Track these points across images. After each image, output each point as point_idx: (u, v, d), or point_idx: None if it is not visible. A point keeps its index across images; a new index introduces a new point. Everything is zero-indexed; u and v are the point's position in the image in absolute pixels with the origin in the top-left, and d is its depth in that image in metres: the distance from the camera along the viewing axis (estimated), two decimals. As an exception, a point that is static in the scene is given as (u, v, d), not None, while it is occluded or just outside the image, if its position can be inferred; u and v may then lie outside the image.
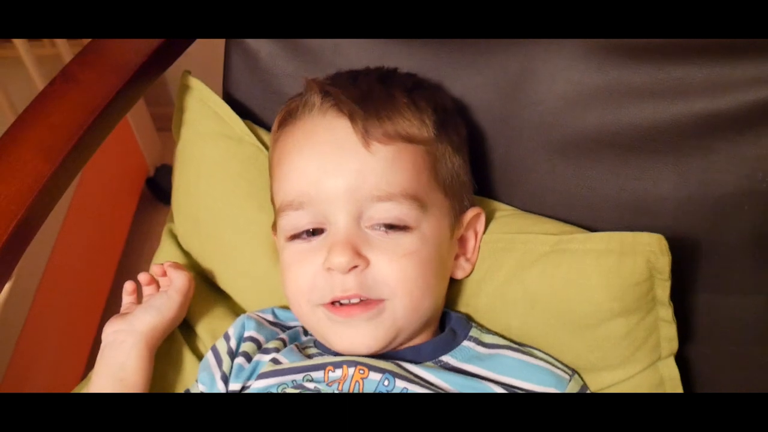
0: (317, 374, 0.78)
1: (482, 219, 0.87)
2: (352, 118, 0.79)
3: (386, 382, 0.76)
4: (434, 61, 0.93)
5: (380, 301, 0.77)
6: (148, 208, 1.93)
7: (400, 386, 0.75)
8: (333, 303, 0.78)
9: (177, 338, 0.92)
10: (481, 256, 0.87)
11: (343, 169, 0.78)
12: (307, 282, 0.79)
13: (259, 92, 1.00)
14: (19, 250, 0.81)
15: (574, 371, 0.82)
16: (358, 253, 0.76)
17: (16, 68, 1.46)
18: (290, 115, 0.85)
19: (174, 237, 1.02)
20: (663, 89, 0.84)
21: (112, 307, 1.70)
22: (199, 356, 0.92)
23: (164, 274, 0.91)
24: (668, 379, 0.82)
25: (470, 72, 0.92)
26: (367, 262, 0.76)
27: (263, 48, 0.99)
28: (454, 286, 0.88)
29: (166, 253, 1.01)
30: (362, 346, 0.78)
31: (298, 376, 0.78)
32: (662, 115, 0.84)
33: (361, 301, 0.77)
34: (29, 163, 0.82)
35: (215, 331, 0.92)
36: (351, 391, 0.76)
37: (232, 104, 0.99)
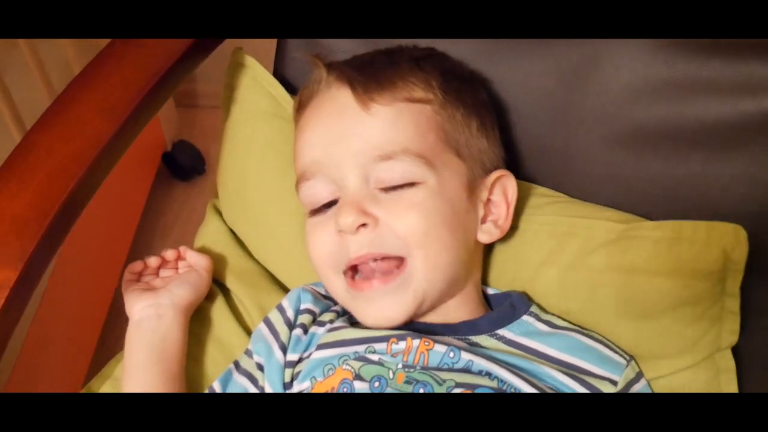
0: (380, 346, 0.77)
1: (512, 183, 0.85)
2: (351, 84, 0.80)
3: (452, 354, 0.75)
4: (494, 46, 0.92)
5: (400, 270, 0.77)
6: (162, 184, 1.90)
7: (466, 358, 0.75)
8: (352, 274, 0.79)
9: (225, 314, 0.91)
10: (541, 236, 0.86)
11: (346, 134, 0.79)
12: (324, 249, 0.80)
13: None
14: (78, 209, 0.80)
15: (631, 357, 0.82)
16: (364, 211, 0.76)
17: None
18: (305, 96, 0.86)
19: (219, 213, 1.01)
20: (730, 85, 0.84)
21: (126, 282, 1.68)
22: (246, 329, 0.91)
23: (179, 257, 0.93)
24: (724, 371, 0.82)
25: (531, 58, 0.92)
26: (376, 220, 0.77)
27: (322, 24, 0.97)
28: (511, 266, 0.87)
29: (212, 228, 1.00)
30: (387, 319, 0.78)
31: (360, 348, 0.78)
32: (728, 111, 0.84)
33: (378, 260, 0.77)
34: (90, 123, 0.81)
35: (262, 304, 0.92)
36: (416, 362, 0.75)
37: (283, 81, 0.99)
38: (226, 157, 0.99)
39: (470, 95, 0.86)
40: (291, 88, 0.99)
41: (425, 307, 0.79)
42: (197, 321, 0.89)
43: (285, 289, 0.95)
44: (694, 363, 0.82)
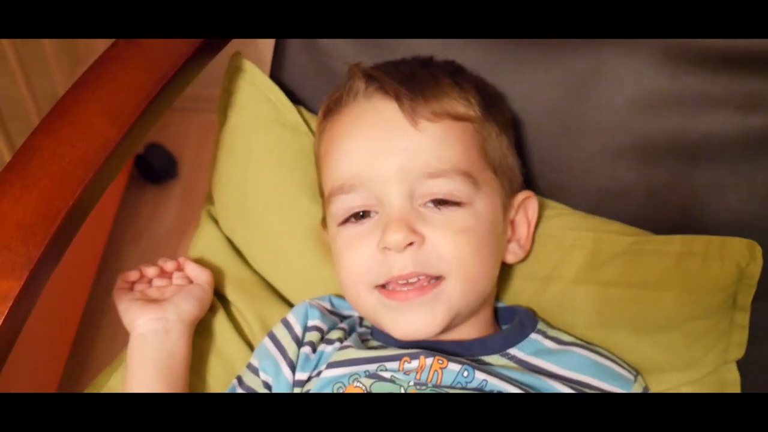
0: (392, 365, 0.77)
1: (534, 204, 0.86)
2: (398, 99, 0.79)
3: (465, 373, 0.75)
4: (499, 56, 0.92)
5: (437, 282, 0.76)
6: (134, 187, 1.87)
7: (480, 378, 0.75)
8: (386, 287, 0.77)
9: (225, 325, 0.90)
10: (547, 251, 0.87)
11: (393, 149, 0.78)
12: (363, 264, 0.78)
13: (314, 75, 0.98)
14: (84, 215, 0.77)
15: (638, 372, 0.82)
16: (413, 230, 0.75)
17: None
18: (335, 104, 0.85)
19: (214, 221, 0.99)
20: (736, 101, 0.85)
21: (98, 289, 1.65)
22: (246, 341, 0.89)
23: (179, 268, 0.90)
24: (730, 383, 0.83)
25: (537, 69, 0.91)
26: (423, 239, 0.76)
27: (324, 30, 0.96)
28: (516, 280, 0.87)
29: (207, 235, 0.98)
30: (419, 331, 0.77)
31: (372, 366, 0.77)
32: (733, 127, 0.86)
33: (418, 281, 0.76)
34: (95, 126, 0.79)
35: (263, 316, 0.91)
36: (429, 381, 0.75)
37: (283, 86, 0.98)
38: (224, 163, 0.97)
39: (500, 113, 0.86)
40: (289, 94, 0.97)
41: (453, 325, 0.79)
42: (197, 333, 0.87)
43: (285, 300, 0.93)
44: (700, 377, 0.82)
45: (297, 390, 0.80)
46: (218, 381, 0.87)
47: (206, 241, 0.97)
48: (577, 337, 0.84)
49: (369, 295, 0.79)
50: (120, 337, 1.58)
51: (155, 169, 1.87)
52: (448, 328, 0.78)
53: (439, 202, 0.77)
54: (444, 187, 0.77)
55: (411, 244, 0.75)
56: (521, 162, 0.88)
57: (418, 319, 0.76)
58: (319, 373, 0.80)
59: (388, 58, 0.91)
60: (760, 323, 0.86)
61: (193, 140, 1.97)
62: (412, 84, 0.80)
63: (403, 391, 0.74)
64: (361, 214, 0.79)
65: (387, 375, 0.76)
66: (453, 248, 0.76)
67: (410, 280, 0.76)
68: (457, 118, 0.80)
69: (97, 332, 1.61)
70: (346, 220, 0.80)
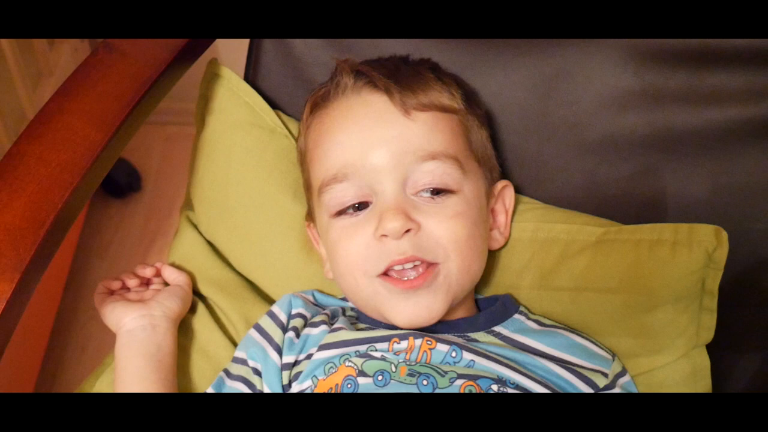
0: (381, 345, 0.79)
1: (511, 192, 0.90)
2: (388, 92, 0.82)
3: (454, 354, 0.77)
4: (469, 59, 0.95)
5: (434, 266, 0.79)
6: (97, 202, 1.86)
7: (468, 358, 0.77)
8: (387, 273, 0.79)
9: (210, 326, 0.91)
10: (521, 243, 0.89)
11: (386, 138, 0.81)
12: (360, 253, 0.80)
13: (290, 81, 1.00)
14: (71, 219, 0.78)
15: (614, 354, 0.85)
16: (409, 217, 0.78)
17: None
18: (323, 99, 0.87)
19: (193, 225, 1.00)
20: (697, 95, 0.89)
21: (67, 301, 1.64)
22: (231, 339, 0.91)
23: (158, 273, 0.93)
24: (700, 368, 0.86)
25: (506, 70, 0.95)
26: (419, 226, 0.78)
27: (298, 36, 0.99)
28: (494, 272, 0.90)
29: (187, 240, 0.99)
30: (422, 318, 0.79)
31: (362, 347, 0.79)
32: (695, 120, 0.89)
33: (416, 266, 0.78)
34: (80, 131, 0.80)
35: (247, 316, 0.92)
36: (418, 360, 0.77)
37: (258, 92, 0.99)
38: (203, 167, 0.98)
39: (478, 106, 0.89)
40: (264, 97, 0.99)
41: (449, 309, 0.81)
42: (182, 333, 0.89)
43: (269, 300, 0.95)
44: (672, 360, 0.85)
45: (285, 373, 0.81)
46: (204, 378, 0.88)
47: (187, 246, 0.98)
48: (557, 322, 0.87)
49: (368, 284, 0.81)
50: (89, 349, 1.59)
51: (118, 183, 1.86)
52: (447, 310, 0.80)
53: (433, 192, 0.79)
54: (436, 172, 0.80)
55: (408, 230, 0.77)
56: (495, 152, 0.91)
57: (421, 307, 0.79)
58: (309, 356, 0.81)
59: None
60: (738, 330, 0.90)
61: (156, 153, 1.97)
62: (399, 78, 0.83)
63: (393, 368, 0.76)
64: (357, 206, 0.81)
65: (377, 354, 0.78)
66: (449, 232, 0.79)
67: (406, 266, 0.78)
68: (444, 109, 0.83)
69: (66, 346, 1.60)
70: (339, 212, 0.82)
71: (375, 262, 0.79)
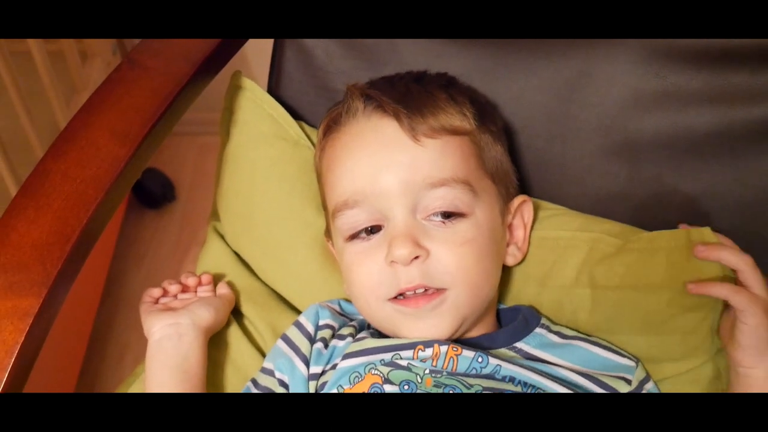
0: (406, 353, 0.79)
1: (529, 208, 0.89)
2: (397, 117, 0.81)
3: (480, 359, 0.77)
4: (490, 62, 0.95)
5: (442, 291, 0.79)
6: (132, 212, 1.89)
7: (494, 363, 0.77)
8: (397, 297, 0.80)
9: (238, 336, 0.92)
10: (543, 252, 0.89)
11: (395, 164, 0.80)
12: (373, 279, 0.81)
13: (312, 90, 1.01)
14: (97, 233, 0.80)
15: (639, 360, 0.85)
16: (418, 244, 0.78)
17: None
18: (334, 122, 0.87)
19: (220, 236, 1.02)
20: (721, 95, 0.88)
21: (104, 312, 1.67)
22: (259, 350, 0.92)
23: (200, 283, 0.93)
24: (725, 371, 0.84)
25: (527, 74, 0.94)
26: (428, 252, 0.78)
27: (319, 45, 0.99)
28: (516, 282, 0.90)
29: (214, 251, 1.01)
30: (431, 336, 0.79)
31: (387, 355, 0.79)
32: (719, 120, 0.88)
33: (425, 291, 0.79)
34: (104, 147, 0.82)
35: (274, 325, 0.93)
36: (445, 368, 0.77)
37: (281, 102, 1.00)
38: (228, 179, 0.99)
39: (493, 122, 0.89)
40: (287, 110, 1.00)
41: (464, 329, 0.82)
42: (212, 344, 0.89)
43: (294, 310, 0.95)
44: (696, 366, 0.85)
45: (312, 383, 0.82)
46: (233, 390, 0.89)
47: (214, 256, 1.00)
48: (579, 331, 0.87)
49: (381, 307, 0.81)
50: (126, 359, 1.61)
51: (153, 193, 1.89)
52: (457, 332, 0.81)
53: (443, 216, 0.79)
54: (447, 198, 0.79)
55: (417, 257, 0.78)
56: (515, 166, 0.91)
57: (430, 325, 0.79)
58: (334, 366, 0.82)
59: (381, 70, 0.95)
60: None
61: (189, 163, 2.00)
62: (409, 101, 0.82)
63: (419, 379, 0.77)
64: (370, 229, 0.81)
65: (403, 363, 0.78)
66: (457, 259, 0.79)
67: (417, 291, 0.79)
68: (454, 132, 0.82)
69: (103, 356, 1.63)
70: (352, 236, 0.82)
71: (387, 288, 0.80)
